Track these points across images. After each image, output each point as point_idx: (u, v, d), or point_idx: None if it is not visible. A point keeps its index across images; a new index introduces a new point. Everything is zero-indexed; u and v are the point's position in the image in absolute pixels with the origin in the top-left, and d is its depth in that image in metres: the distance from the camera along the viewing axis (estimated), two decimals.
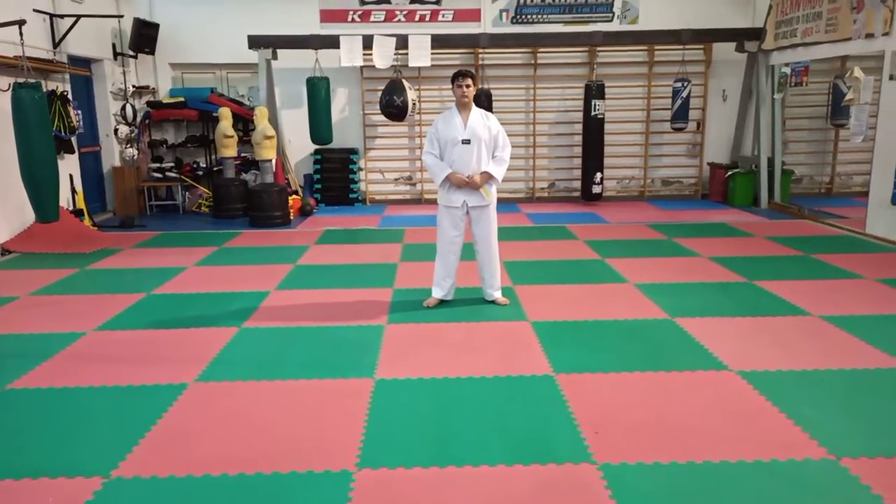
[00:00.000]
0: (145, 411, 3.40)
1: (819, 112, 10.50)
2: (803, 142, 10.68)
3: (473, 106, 4.89)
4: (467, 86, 4.79)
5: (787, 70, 9.31)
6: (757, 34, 9.58)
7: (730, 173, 9.93)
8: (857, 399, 3.49)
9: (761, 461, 2.86)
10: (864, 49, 7.60)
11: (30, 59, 6.63)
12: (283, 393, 3.64)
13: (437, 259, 5.16)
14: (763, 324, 4.65)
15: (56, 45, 8.11)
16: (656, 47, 10.18)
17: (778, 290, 5.42)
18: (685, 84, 9.76)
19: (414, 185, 10.78)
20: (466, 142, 4.81)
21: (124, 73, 9.73)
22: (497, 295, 5.19)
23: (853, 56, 8.71)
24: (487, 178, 4.88)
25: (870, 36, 7.29)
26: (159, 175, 9.87)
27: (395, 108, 9.37)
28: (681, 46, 9.92)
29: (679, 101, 9.84)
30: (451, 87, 4.94)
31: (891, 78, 7.03)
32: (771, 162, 9.68)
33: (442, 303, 5.18)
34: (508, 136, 5.01)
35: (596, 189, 10.00)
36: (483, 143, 4.84)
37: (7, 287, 5.84)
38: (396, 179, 10.77)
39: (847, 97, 7.89)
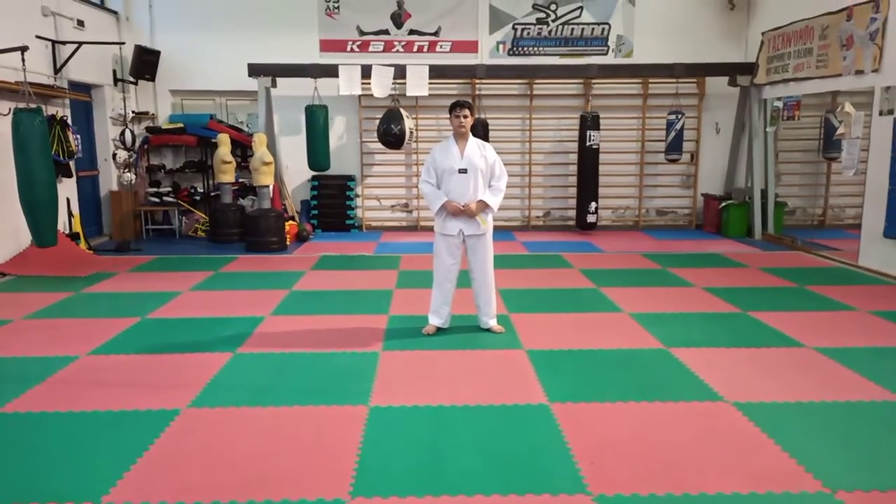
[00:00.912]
0: (137, 437, 3.38)
1: (811, 145, 10.64)
2: (796, 174, 10.80)
3: (470, 136, 4.96)
4: (465, 116, 4.85)
5: (780, 104, 9.46)
6: (749, 69, 9.75)
7: (724, 204, 10.01)
8: (851, 432, 3.49)
9: (756, 493, 2.86)
10: (854, 85, 7.75)
11: (31, 84, 6.69)
12: (277, 420, 3.62)
13: (435, 287, 5.18)
14: (757, 355, 4.66)
15: (57, 70, 8.20)
16: (650, 80, 10.34)
17: (772, 321, 5.44)
18: (679, 116, 9.90)
19: (410, 212, 10.84)
20: (463, 171, 4.87)
21: (124, 98, 9.81)
22: (492, 323, 5.19)
23: (844, 91, 8.86)
24: (483, 206, 4.93)
25: (859, 72, 7.44)
26: (157, 199, 9.90)
27: (392, 136, 9.47)
28: (674, 80, 10.08)
29: (673, 133, 9.96)
30: (448, 116, 5.01)
31: (881, 114, 7.15)
32: (764, 194, 9.78)
33: (438, 330, 5.18)
34: (504, 165, 5.07)
35: (591, 218, 10.07)
36: (479, 172, 4.90)
37: (1, 310, 5.81)
38: (393, 206, 10.82)
39: (839, 131, 8.01)
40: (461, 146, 4.92)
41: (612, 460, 3.15)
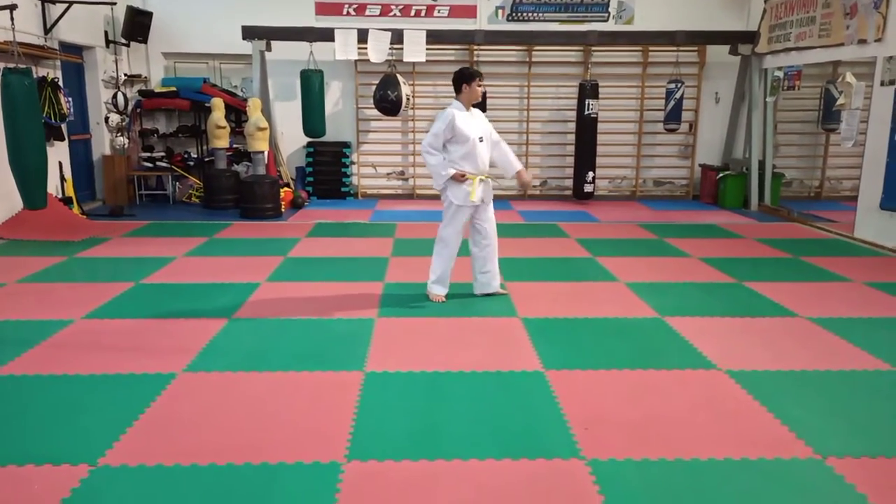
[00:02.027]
0: (133, 400, 3.38)
1: (810, 116, 10.57)
2: (794, 145, 10.75)
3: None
4: (480, 84, 4.88)
5: (780, 74, 9.37)
6: (750, 37, 9.63)
7: (721, 175, 9.98)
8: (842, 400, 3.52)
9: (748, 459, 2.89)
10: (856, 55, 7.66)
11: (20, 44, 6.55)
12: (273, 384, 3.63)
13: (445, 257, 5.09)
14: (751, 324, 4.68)
15: (47, 31, 8.03)
16: (651, 48, 10.21)
17: (766, 291, 5.46)
18: (679, 85, 9.80)
19: (406, 179, 10.77)
20: (481, 140, 4.89)
21: (116, 61, 9.64)
22: (497, 284, 5.26)
23: (845, 61, 8.77)
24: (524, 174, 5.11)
25: (862, 42, 7.35)
26: (150, 164, 9.79)
27: (388, 102, 9.36)
28: (675, 48, 9.96)
29: (672, 103, 9.88)
30: (451, 83, 4.95)
31: (882, 84, 7.09)
32: (762, 165, 9.74)
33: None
34: (501, 132, 5.13)
35: (588, 188, 10.03)
36: (489, 140, 4.96)
37: None
38: (389, 174, 10.75)
39: (839, 102, 7.96)
40: (467, 113, 4.89)
41: (605, 426, 3.17)
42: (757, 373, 3.81)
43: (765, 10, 9.34)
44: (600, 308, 5.00)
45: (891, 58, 6.94)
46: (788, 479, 2.76)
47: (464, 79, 4.85)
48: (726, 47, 9.95)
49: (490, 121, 5.10)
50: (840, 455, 2.92)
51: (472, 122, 4.86)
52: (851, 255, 6.82)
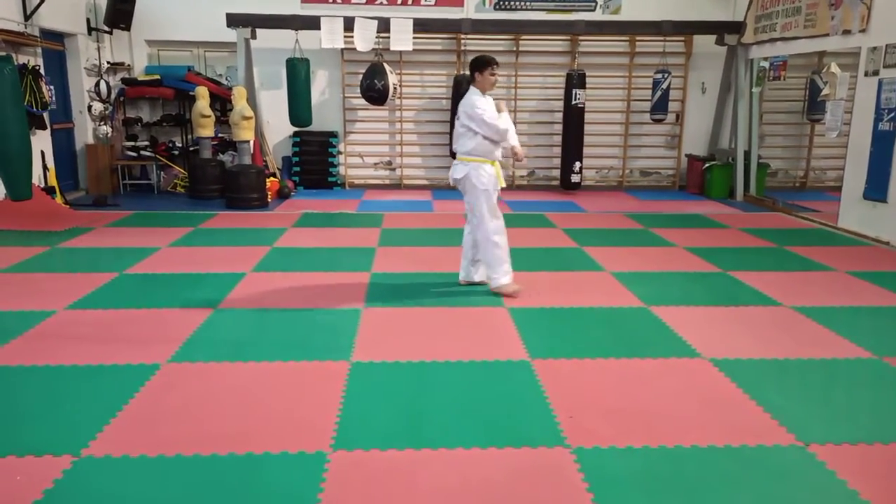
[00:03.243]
0: (117, 391, 3.36)
1: (796, 107, 10.63)
2: (779, 136, 10.81)
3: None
4: (493, 73, 4.94)
5: (766, 64, 9.41)
6: (737, 27, 9.65)
7: (707, 165, 10.02)
8: (824, 388, 3.56)
9: (731, 446, 2.91)
10: (841, 45, 7.70)
11: (0, 31, 6.44)
12: (258, 375, 3.61)
13: (502, 245, 5.01)
14: (735, 313, 4.72)
15: (28, 17, 7.89)
16: (637, 38, 10.21)
17: (751, 280, 5.50)
18: (665, 76, 9.81)
19: (393, 169, 10.72)
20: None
21: (99, 48, 9.51)
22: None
23: (830, 52, 8.82)
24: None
25: (847, 32, 7.39)
26: (134, 154, 9.68)
27: (375, 91, 9.30)
28: (662, 38, 9.96)
29: (659, 93, 9.89)
30: (469, 72, 5.03)
31: (866, 74, 7.13)
32: (747, 155, 9.79)
33: (418, 287, 5.17)
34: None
35: (575, 178, 10.04)
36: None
37: None
38: (376, 164, 10.71)
39: (823, 92, 8.00)
40: (489, 101, 4.94)
41: (590, 414, 3.19)
42: (740, 361, 3.84)
43: (751, 1, 9.36)
44: (586, 298, 5.02)
45: (875, 48, 6.99)
46: (771, 465, 2.79)
47: (476, 67, 4.93)
48: (713, 37, 9.97)
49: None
50: (822, 442, 2.96)
51: (491, 109, 4.89)
52: (835, 245, 6.89)
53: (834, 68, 7.61)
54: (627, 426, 3.08)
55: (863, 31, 7.14)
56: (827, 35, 7.74)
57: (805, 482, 2.69)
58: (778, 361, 3.87)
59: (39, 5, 7.95)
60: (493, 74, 4.88)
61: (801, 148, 10.91)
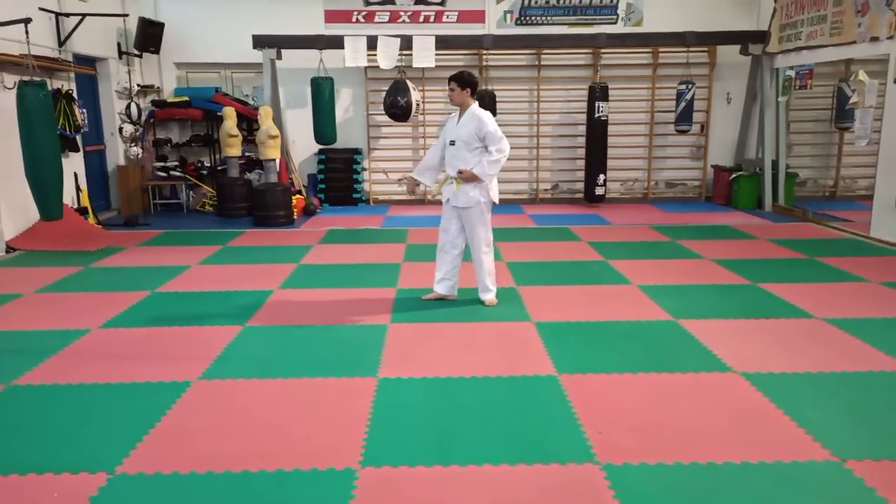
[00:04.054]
0: (149, 408, 3.41)
1: (824, 115, 10.49)
2: (808, 145, 10.66)
3: (472, 107, 4.93)
4: (451, 89, 4.94)
5: (792, 73, 9.31)
6: (761, 37, 9.57)
7: (734, 176, 9.92)
8: (860, 401, 3.48)
9: (765, 462, 2.86)
10: (868, 52, 7.60)
11: (35, 57, 6.64)
12: (287, 391, 3.65)
13: (437, 254, 5.28)
14: (766, 326, 4.65)
15: (61, 43, 8.14)
16: (660, 49, 10.18)
17: (781, 292, 5.42)
18: (689, 86, 9.75)
19: (418, 185, 10.75)
20: (452, 143, 4.94)
21: (129, 72, 9.75)
22: (484, 296, 5.20)
23: (858, 59, 8.70)
24: (470, 175, 4.86)
25: (874, 39, 7.29)
26: (163, 174, 9.89)
27: (398, 108, 9.39)
28: (685, 49, 9.92)
29: (683, 104, 9.83)
30: (473, 90, 5.01)
31: (895, 81, 7.02)
32: (775, 165, 9.67)
33: (444, 301, 5.18)
34: (511, 136, 5.03)
35: (599, 191, 10.00)
36: (464, 144, 4.89)
37: (12, 284, 5.85)
38: (400, 180, 10.75)
39: (852, 100, 7.89)
40: (458, 118, 4.97)
41: (620, 430, 3.16)
42: (773, 375, 3.78)
43: (775, 10, 9.29)
44: (613, 311, 4.98)
45: None
46: (806, 482, 2.73)
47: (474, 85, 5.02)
48: (737, 47, 9.90)
49: (500, 125, 5.08)
50: (859, 458, 2.89)
51: (450, 126, 5.07)
52: (867, 255, 6.75)
53: (862, 76, 7.51)
54: (658, 442, 3.04)
55: (891, 37, 7.04)
56: (854, 42, 7.64)
57: (843, 499, 2.63)
58: (811, 375, 3.80)
59: (73, 31, 8.19)
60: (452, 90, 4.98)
61: (830, 157, 10.75)
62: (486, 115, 4.91)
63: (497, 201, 5.05)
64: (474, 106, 4.93)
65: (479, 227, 5.03)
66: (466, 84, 4.88)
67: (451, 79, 4.94)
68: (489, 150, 4.84)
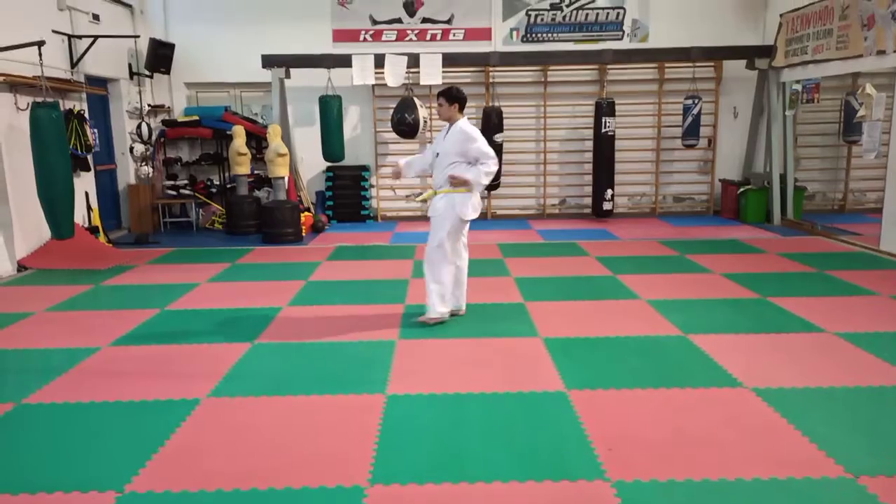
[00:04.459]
0: (159, 426, 3.42)
1: (831, 129, 10.47)
2: (816, 158, 10.64)
3: (460, 122, 5.04)
4: (440, 104, 5.09)
5: (799, 87, 9.31)
6: (767, 51, 9.60)
7: (742, 190, 9.90)
8: (873, 417, 3.45)
9: (777, 479, 2.83)
10: (875, 66, 7.60)
11: (48, 78, 6.74)
12: (296, 408, 3.65)
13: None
14: (777, 340, 4.62)
15: (74, 65, 8.26)
16: (667, 65, 10.22)
17: (791, 306, 5.38)
18: (696, 101, 9.78)
19: (425, 201, 10.79)
20: (436, 155, 5.10)
21: (140, 92, 9.88)
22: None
23: (865, 73, 8.70)
24: (451, 179, 4.98)
25: (881, 53, 7.29)
26: (174, 192, 9.98)
27: (406, 125, 9.44)
28: (691, 64, 9.95)
29: (690, 118, 9.85)
30: (461, 105, 5.13)
31: None
32: (783, 178, 9.65)
33: (457, 319, 5.19)
34: (518, 152, 5.07)
35: (607, 206, 10.00)
36: (446, 157, 5.02)
37: (23, 303, 5.90)
38: (408, 196, 10.80)
39: (859, 114, 7.88)
40: (445, 132, 5.10)
41: (630, 447, 3.14)
42: (784, 390, 3.75)
43: (780, 24, 9.32)
44: (622, 326, 4.96)
45: None
46: (819, 498, 2.70)
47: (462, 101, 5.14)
48: (743, 62, 9.92)
49: (507, 140, 5.14)
50: (872, 474, 2.86)
51: (439, 139, 5.22)
52: (877, 269, 6.71)
53: (869, 89, 7.51)
54: (669, 458, 3.02)
55: None
56: (861, 56, 7.64)
57: None
58: (823, 390, 3.77)
59: (85, 53, 8.31)
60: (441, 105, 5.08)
61: (839, 170, 10.71)
62: (474, 130, 5.00)
63: (467, 218, 5.03)
64: (462, 121, 5.05)
65: (439, 231, 5.04)
66: (454, 100, 5.01)
67: (439, 94, 5.08)
68: (480, 163, 4.93)
